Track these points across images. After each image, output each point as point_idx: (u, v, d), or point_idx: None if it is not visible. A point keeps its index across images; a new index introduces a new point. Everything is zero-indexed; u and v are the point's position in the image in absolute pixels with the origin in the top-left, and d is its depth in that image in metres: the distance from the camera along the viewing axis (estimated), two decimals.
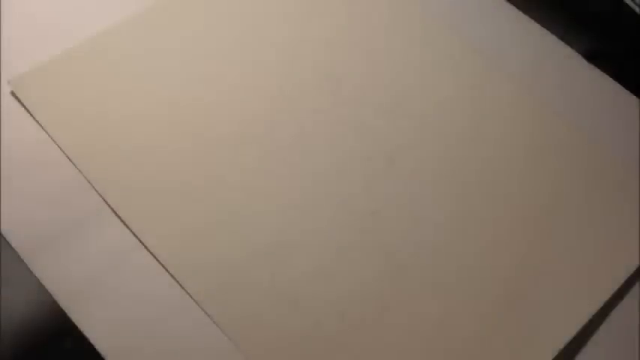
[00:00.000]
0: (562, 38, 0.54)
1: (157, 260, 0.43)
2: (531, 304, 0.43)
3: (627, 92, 0.53)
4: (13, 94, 0.49)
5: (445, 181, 0.47)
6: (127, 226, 0.44)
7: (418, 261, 0.44)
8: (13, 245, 0.43)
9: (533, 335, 0.42)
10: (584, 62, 0.54)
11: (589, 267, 0.44)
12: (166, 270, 0.43)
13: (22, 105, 0.49)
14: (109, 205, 0.45)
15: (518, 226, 0.46)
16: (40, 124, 0.48)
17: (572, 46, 0.54)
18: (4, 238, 0.43)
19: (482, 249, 0.45)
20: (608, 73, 0.53)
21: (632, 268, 0.45)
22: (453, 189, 0.47)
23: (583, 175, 0.48)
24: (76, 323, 0.41)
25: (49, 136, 0.47)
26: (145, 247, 0.43)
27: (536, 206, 0.47)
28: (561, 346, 0.41)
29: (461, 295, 0.43)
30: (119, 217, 0.44)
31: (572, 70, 0.54)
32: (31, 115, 0.48)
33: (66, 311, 0.41)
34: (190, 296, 0.42)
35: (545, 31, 0.55)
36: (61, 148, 0.47)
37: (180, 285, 0.42)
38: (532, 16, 0.56)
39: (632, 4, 0.50)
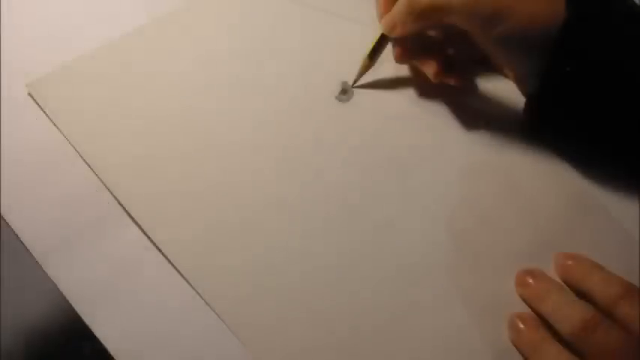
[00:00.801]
0: None
1: (171, 264, 0.44)
2: None
3: None
4: (30, 95, 0.50)
5: (458, 193, 0.48)
6: (141, 229, 0.45)
7: (432, 272, 0.44)
8: (27, 246, 0.44)
9: None
10: None
11: None
12: (180, 274, 0.43)
13: (39, 106, 0.50)
14: (123, 208, 0.46)
15: (535, 236, 0.46)
16: (57, 126, 0.49)
17: None
18: (19, 240, 0.44)
19: (498, 261, 0.45)
20: None
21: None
22: (467, 201, 0.48)
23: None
24: (88, 325, 0.41)
25: (65, 137, 0.48)
26: (159, 250, 0.44)
27: (550, 215, 0.47)
28: None
29: (475, 307, 0.43)
30: (133, 220, 0.45)
31: None
32: (48, 116, 0.49)
33: (78, 312, 0.42)
34: (204, 301, 0.42)
35: None
36: (76, 150, 0.48)
37: (194, 289, 0.43)
38: None
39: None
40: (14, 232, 0.45)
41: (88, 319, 0.42)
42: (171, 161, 0.48)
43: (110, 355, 0.41)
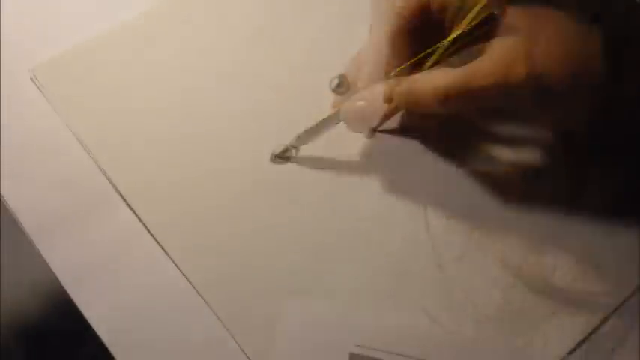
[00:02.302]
0: None
1: (162, 248, 0.44)
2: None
3: None
4: (32, 79, 0.51)
5: None
6: (135, 214, 0.45)
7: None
8: (24, 228, 0.45)
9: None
10: None
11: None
12: (170, 258, 0.44)
13: (40, 91, 0.50)
14: (118, 192, 0.46)
15: None
16: (56, 111, 0.50)
17: None
18: (16, 222, 0.45)
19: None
20: None
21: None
22: None
23: None
24: (78, 306, 0.42)
25: (64, 122, 0.49)
26: (151, 234, 0.45)
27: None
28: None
29: None
30: (128, 204, 0.46)
31: None
32: (48, 101, 0.50)
33: (68, 293, 0.42)
34: (192, 285, 0.43)
35: None
36: (74, 135, 0.49)
37: (183, 274, 0.43)
38: None
39: None
40: (12, 213, 0.46)
41: (77, 299, 0.43)
42: (170, 149, 0.49)
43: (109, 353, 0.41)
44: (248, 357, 0.41)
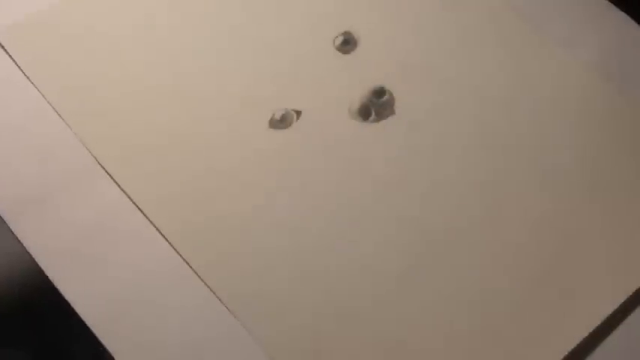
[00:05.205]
0: None
1: (147, 218, 0.41)
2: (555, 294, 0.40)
3: None
4: (1, 46, 0.47)
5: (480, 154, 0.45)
6: (119, 186, 0.42)
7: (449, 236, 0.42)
8: None
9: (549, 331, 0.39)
10: None
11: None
12: (160, 232, 0.40)
13: (11, 58, 0.46)
14: (99, 164, 0.42)
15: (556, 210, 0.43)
16: (29, 78, 0.46)
17: None
18: None
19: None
20: None
21: None
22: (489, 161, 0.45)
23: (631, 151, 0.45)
24: (56, 285, 0.39)
25: (39, 91, 0.45)
26: (139, 208, 0.41)
27: (577, 185, 0.44)
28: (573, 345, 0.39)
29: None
30: (110, 176, 0.42)
31: None
32: (20, 68, 0.46)
33: (46, 273, 0.39)
34: (182, 258, 0.40)
35: (624, 15, 0.52)
36: (51, 105, 0.45)
37: (175, 250, 0.40)
38: (612, 1, 0.52)
39: None
40: None
41: (56, 278, 0.39)
42: (150, 117, 0.45)
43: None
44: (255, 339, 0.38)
